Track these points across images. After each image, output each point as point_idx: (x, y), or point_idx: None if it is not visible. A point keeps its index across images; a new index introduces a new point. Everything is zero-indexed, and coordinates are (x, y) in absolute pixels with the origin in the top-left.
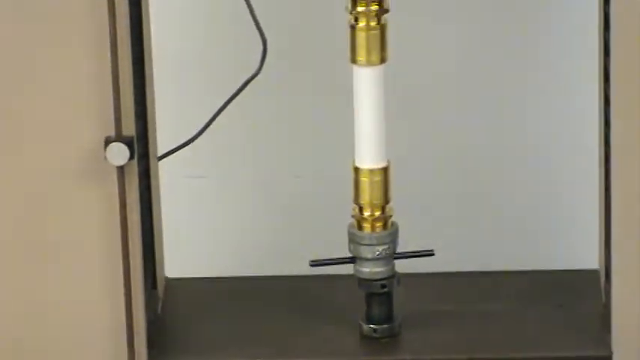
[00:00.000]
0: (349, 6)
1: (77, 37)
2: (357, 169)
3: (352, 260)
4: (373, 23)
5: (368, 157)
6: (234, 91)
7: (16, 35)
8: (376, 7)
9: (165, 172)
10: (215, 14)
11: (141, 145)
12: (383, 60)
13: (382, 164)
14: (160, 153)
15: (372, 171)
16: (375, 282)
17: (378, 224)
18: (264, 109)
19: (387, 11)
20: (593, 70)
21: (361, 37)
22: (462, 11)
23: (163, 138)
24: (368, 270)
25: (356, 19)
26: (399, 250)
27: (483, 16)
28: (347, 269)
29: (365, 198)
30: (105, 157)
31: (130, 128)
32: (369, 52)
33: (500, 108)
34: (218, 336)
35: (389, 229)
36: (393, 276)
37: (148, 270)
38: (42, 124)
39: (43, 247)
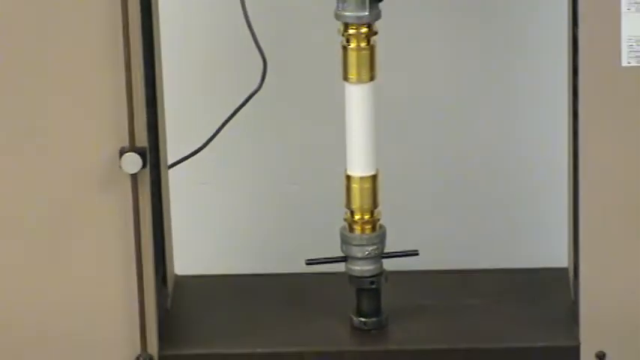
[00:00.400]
0: (342, 29)
1: (96, 60)
2: (348, 177)
3: (344, 259)
4: (363, 44)
5: (358, 166)
6: (237, 106)
7: (39, 56)
8: (366, 29)
9: (175, 180)
10: (220, 37)
11: (152, 155)
12: (372, 78)
13: (371, 172)
14: (169, 162)
15: (362, 178)
16: (364, 279)
17: (368, 227)
18: (264, 122)
19: (375, 33)
20: (563, 88)
21: (352, 57)
22: (446, 33)
23: (173, 149)
24: (358, 268)
25: (348, 41)
26: (387, 250)
27: (466, 37)
28: (339, 267)
29: (356, 203)
30: (120, 166)
31: (142, 140)
32: (359, 70)
33: (478, 121)
34: (222, 328)
35: (377, 231)
36: (381, 273)
37: (159, 268)
38: (63, 136)
39: (63, 247)
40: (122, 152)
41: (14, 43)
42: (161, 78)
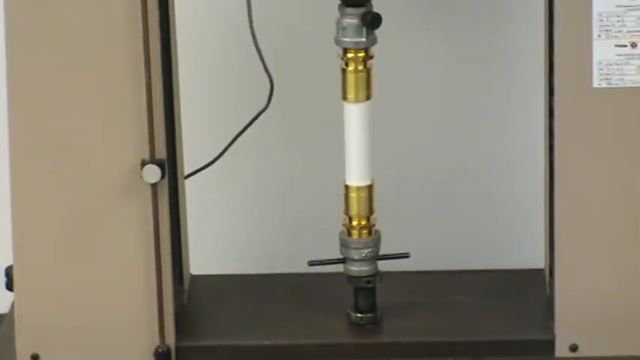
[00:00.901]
0: (341, 53)
1: (120, 81)
2: (347, 187)
3: (343, 261)
4: (360, 67)
5: (356, 176)
6: (246, 122)
7: (68, 78)
8: (363, 54)
9: (191, 189)
10: (231, 61)
11: (171, 166)
12: (368, 97)
13: (368, 182)
14: (186, 173)
15: (359, 188)
16: (361, 279)
17: (364, 231)
18: (271, 137)
19: (371, 57)
20: (540, 106)
21: (350, 78)
22: (435, 56)
23: (189, 161)
24: (356, 269)
25: (346, 64)
26: (381, 252)
27: (455, 59)
28: (338, 268)
29: (353, 210)
30: (141, 176)
31: (161, 152)
32: (357, 90)
33: (464, 135)
34: (233, 322)
35: (373, 235)
36: (376, 274)
37: (176, 268)
38: (90, 149)
39: (90, 250)
40: (143, 164)
41: (44, 64)
42: (178, 97)
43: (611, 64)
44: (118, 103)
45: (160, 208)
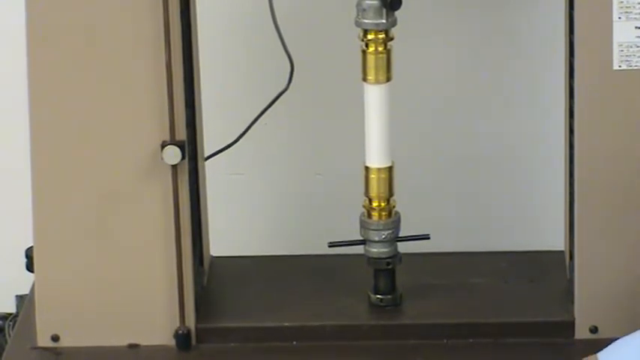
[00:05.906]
0: (361, 35)
1: (141, 66)
2: (367, 168)
3: (363, 242)
4: (381, 48)
5: (376, 158)
6: (267, 103)
7: (92, 63)
8: (383, 35)
9: (211, 170)
10: (253, 43)
11: (191, 147)
12: (388, 79)
13: (388, 164)
14: (206, 154)
15: (379, 169)
16: (381, 260)
17: (384, 213)
18: (291, 118)
19: (392, 39)
20: (561, 89)
21: (370, 60)
22: (453, 37)
23: (209, 142)
24: (375, 250)
25: (367, 45)
26: (401, 234)
27: (472, 41)
28: (359, 250)
29: (373, 192)
30: (161, 158)
31: (182, 134)
32: (377, 72)
33: (484, 117)
34: (252, 304)
35: (393, 217)
36: (396, 255)
37: (196, 250)
38: (110, 130)
39: (110, 231)
40: (163, 145)
41: (64, 46)
42: (199, 79)
43: (631, 46)
44: (138, 84)
45: (180, 190)
